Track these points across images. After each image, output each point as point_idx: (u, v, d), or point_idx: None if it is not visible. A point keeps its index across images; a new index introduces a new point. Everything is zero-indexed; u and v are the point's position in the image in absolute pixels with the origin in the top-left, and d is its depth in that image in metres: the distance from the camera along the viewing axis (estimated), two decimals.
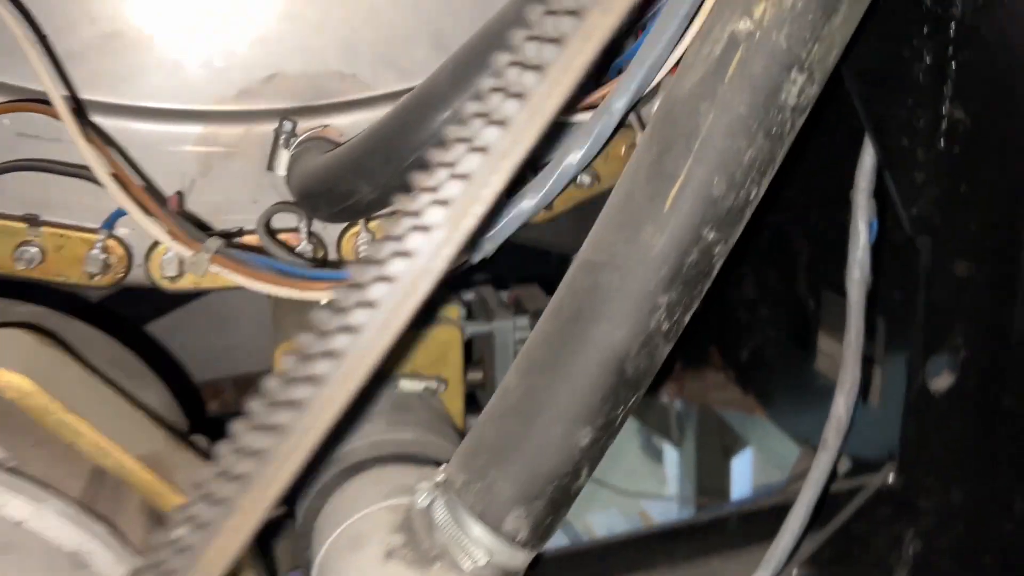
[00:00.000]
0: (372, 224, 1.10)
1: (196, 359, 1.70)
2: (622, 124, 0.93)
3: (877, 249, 1.17)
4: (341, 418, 0.54)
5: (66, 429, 0.88)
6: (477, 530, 0.86)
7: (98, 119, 1.08)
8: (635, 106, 1.07)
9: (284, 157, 1.10)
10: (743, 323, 1.69)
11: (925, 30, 1.03)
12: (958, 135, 1.07)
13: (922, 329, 1.16)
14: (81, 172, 1.01)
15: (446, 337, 1.28)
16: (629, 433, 2.69)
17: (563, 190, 0.94)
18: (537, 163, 1.08)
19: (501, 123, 0.47)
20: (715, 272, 0.85)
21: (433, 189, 0.48)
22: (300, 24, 1.09)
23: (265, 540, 1.36)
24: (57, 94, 0.96)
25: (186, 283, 1.07)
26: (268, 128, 1.11)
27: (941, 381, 1.17)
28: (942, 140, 1.07)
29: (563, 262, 0.88)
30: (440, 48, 1.08)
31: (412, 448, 1.11)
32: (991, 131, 1.07)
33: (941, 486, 1.23)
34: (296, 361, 0.52)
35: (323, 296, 0.93)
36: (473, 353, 1.45)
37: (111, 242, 1.09)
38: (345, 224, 1.13)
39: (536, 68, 0.46)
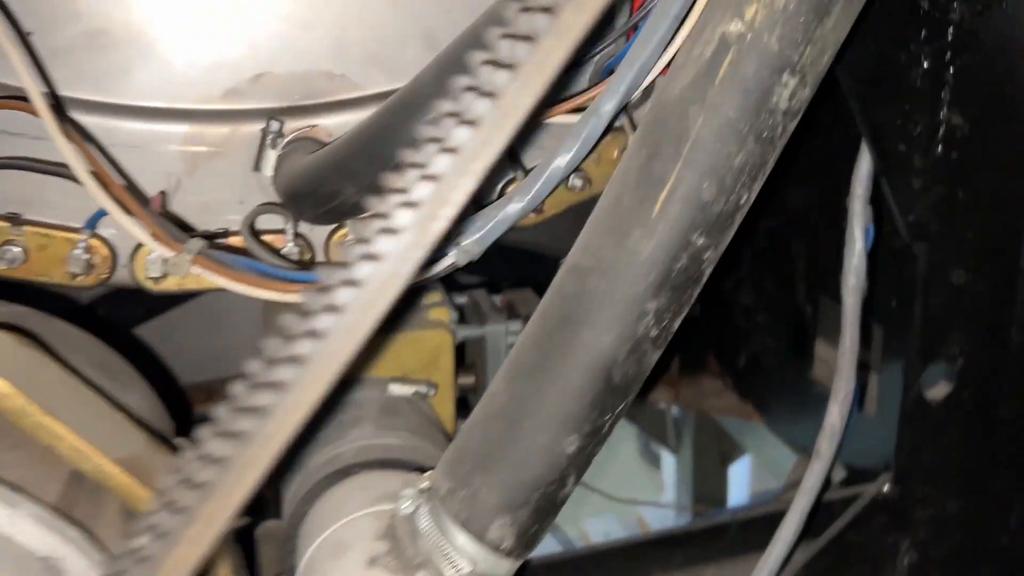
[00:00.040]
0: None
1: (190, 360, 1.69)
2: (611, 127, 0.91)
3: (874, 255, 1.15)
4: (307, 424, 0.53)
5: (44, 432, 0.87)
6: (461, 538, 0.85)
7: (83, 117, 1.07)
8: (627, 108, 1.06)
9: (271, 157, 1.08)
10: (741, 329, 1.69)
11: (923, 34, 1.02)
12: (956, 141, 1.06)
13: (919, 337, 1.15)
14: (62, 170, 1.00)
15: (437, 341, 1.27)
16: (628, 438, 2.68)
17: (551, 193, 0.92)
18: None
19: (472, 123, 0.46)
20: (705, 278, 0.84)
21: (403, 191, 0.47)
22: (289, 23, 1.07)
23: (252, 545, 1.35)
24: (35, 90, 0.95)
25: (170, 284, 1.06)
26: (255, 128, 1.09)
27: (938, 390, 1.17)
28: (940, 146, 1.06)
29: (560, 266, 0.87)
30: (431, 48, 1.06)
31: (399, 453, 1.10)
32: (989, 137, 1.07)
33: (937, 496, 1.22)
34: (261, 366, 0.51)
35: None
36: (466, 357, 1.44)
37: (95, 242, 1.07)
38: (333, 226, 1.12)
39: (508, 67, 0.45)
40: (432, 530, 0.86)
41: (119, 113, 1.07)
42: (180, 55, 1.07)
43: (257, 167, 1.09)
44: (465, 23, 0.95)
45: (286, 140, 1.08)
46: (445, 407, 1.28)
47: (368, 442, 1.12)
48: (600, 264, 0.82)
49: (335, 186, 0.97)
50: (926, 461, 1.20)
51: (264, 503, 1.29)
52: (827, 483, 1.20)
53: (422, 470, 0.94)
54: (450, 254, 0.94)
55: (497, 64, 0.45)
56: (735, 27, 0.77)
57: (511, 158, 1.10)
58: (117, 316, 1.58)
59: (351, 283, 0.48)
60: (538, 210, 1.12)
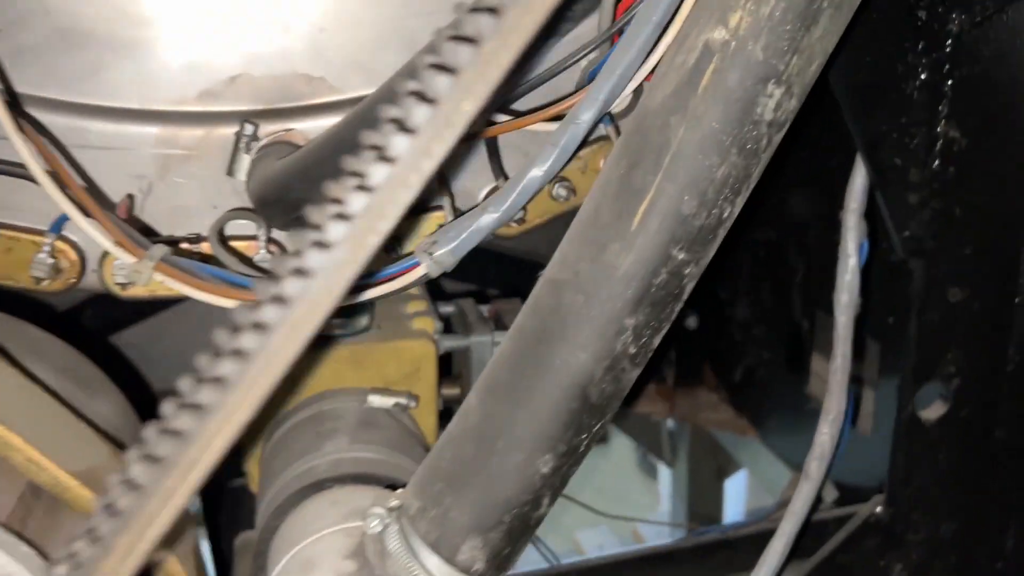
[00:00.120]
0: None
1: (178, 365, 1.66)
2: (590, 135, 0.88)
3: (870, 269, 1.13)
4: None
5: None
6: (430, 560, 0.83)
7: (52, 117, 1.04)
8: (613, 116, 1.03)
9: (244, 162, 1.05)
10: (737, 341, 1.67)
11: (920, 46, 1.00)
12: (953, 155, 1.04)
13: (914, 355, 1.13)
14: (20, 171, 0.97)
15: (420, 351, 1.25)
16: (625, 448, 2.67)
17: (528, 203, 0.89)
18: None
19: (412, 132, 0.43)
20: (686, 294, 0.81)
21: (338, 201, 0.44)
22: (266, 24, 1.05)
23: (227, 558, 1.33)
24: None
25: (139, 291, 1.03)
26: (230, 131, 1.07)
27: (933, 410, 1.15)
28: (937, 160, 1.04)
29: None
30: (411, 51, 1.03)
31: (374, 468, 1.07)
32: (988, 152, 1.05)
33: (931, 519, 1.20)
34: (190, 385, 0.48)
35: None
36: (453, 367, 1.41)
37: (62, 246, 1.05)
38: None
39: (450, 71, 0.42)
40: (401, 551, 0.84)
41: (89, 114, 1.05)
42: (153, 55, 1.05)
43: (230, 172, 1.07)
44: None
45: (260, 144, 1.05)
46: (427, 419, 1.25)
47: (342, 456, 1.09)
48: (577, 278, 0.79)
49: (303, 193, 0.94)
50: (920, 482, 1.18)
51: (246, 512, 1.27)
52: (818, 501, 1.18)
53: (397, 486, 0.91)
54: (422, 265, 0.91)
55: (441, 68, 0.42)
56: (719, 34, 0.75)
57: (493, 164, 1.08)
58: (106, 319, 1.55)
59: (279, 300, 0.45)
60: (520, 220, 1.10)
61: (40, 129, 1.03)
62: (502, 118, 1.02)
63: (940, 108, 1.02)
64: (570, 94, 0.98)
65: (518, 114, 1.02)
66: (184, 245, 1.08)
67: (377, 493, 0.90)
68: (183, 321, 1.52)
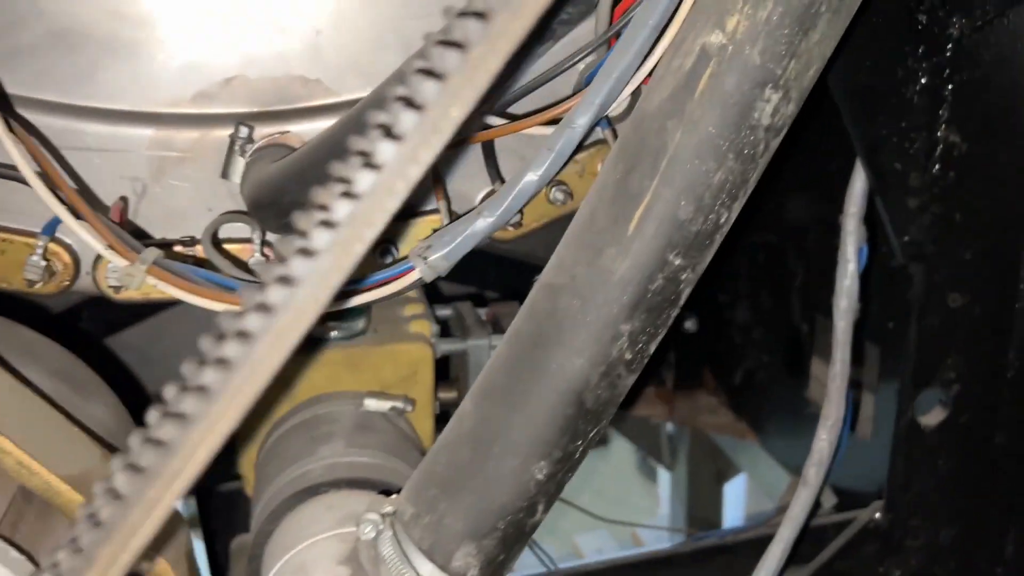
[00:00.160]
0: None
1: (175, 366, 1.65)
2: (587, 139, 0.87)
3: (869, 274, 1.12)
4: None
5: None
6: (424, 567, 0.83)
7: (46, 119, 1.03)
8: (610, 119, 1.03)
9: (239, 164, 1.05)
10: (736, 345, 1.66)
11: (921, 50, 0.99)
12: (953, 160, 1.04)
13: (913, 361, 1.12)
14: (11, 173, 0.96)
15: (417, 355, 1.24)
16: (624, 450, 2.66)
17: (523, 208, 0.89)
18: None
19: (399, 138, 0.42)
20: (683, 300, 0.80)
21: (324, 207, 0.43)
22: (262, 26, 1.04)
23: (222, 561, 1.32)
24: None
25: (132, 294, 1.02)
26: (226, 133, 1.06)
27: (932, 416, 1.14)
28: (937, 165, 1.03)
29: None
30: (408, 53, 1.03)
31: (369, 473, 1.07)
32: (988, 157, 1.04)
33: (930, 525, 1.20)
34: (174, 394, 0.47)
35: None
36: (450, 371, 1.40)
37: (56, 248, 1.04)
38: None
39: (438, 77, 0.41)
40: (395, 557, 0.84)
41: (84, 115, 1.04)
42: (149, 56, 1.04)
43: (225, 174, 1.06)
44: None
45: (255, 146, 1.05)
46: (423, 423, 1.25)
47: (338, 460, 1.08)
48: (573, 283, 0.79)
49: (297, 196, 0.93)
50: (919, 488, 1.17)
51: (242, 515, 1.26)
52: (817, 506, 1.18)
53: (392, 490, 0.91)
54: (417, 269, 0.90)
55: (428, 73, 0.41)
56: (716, 38, 0.74)
57: (489, 168, 1.07)
58: (103, 321, 1.55)
59: (263, 308, 0.44)
60: (516, 224, 1.09)
61: (33, 131, 1.02)
62: (498, 121, 1.01)
63: (940, 112, 1.01)
64: (567, 97, 0.98)
65: (514, 117, 1.01)
66: (178, 248, 1.07)
67: (372, 498, 0.89)
68: (180, 322, 1.51)
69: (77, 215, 0.94)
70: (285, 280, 0.44)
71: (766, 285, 1.54)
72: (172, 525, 0.89)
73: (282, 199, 0.97)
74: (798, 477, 1.16)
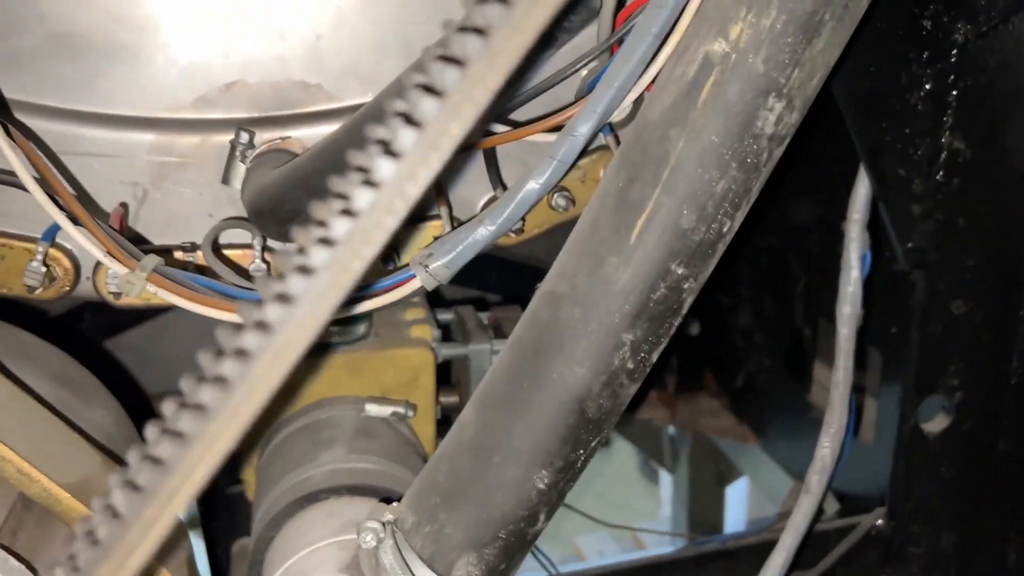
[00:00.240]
0: None
1: (175, 368, 1.64)
2: (588, 146, 0.87)
3: (872, 280, 1.12)
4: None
5: None
6: None
7: (46, 124, 1.03)
8: (612, 125, 1.02)
9: (240, 170, 1.04)
10: (739, 348, 1.66)
11: (925, 56, 0.99)
12: (957, 166, 1.03)
13: (916, 367, 1.12)
14: (12, 179, 0.96)
15: (418, 360, 1.24)
16: (626, 451, 2.66)
17: (524, 216, 0.88)
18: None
19: (397, 155, 0.42)
20: (685, 309, 0.80)
21: (323, 224, 0.43)
22: (263, 31, 1.04)
23: (222, 564, 1.32)
24: None
25: (133, 300, 1.02)
26: (226, 138, 1.06)
27: (936, 423, 1.14)
28: (940, 171, 1.03)
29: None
30: (409, 59, 1.03)
31: (370, 479, 1.06)
32: (992, 163, 1.04)
33: (932, 532, 1.19)
34: (172, 410, 0.47)
35: None
36: (451, 375, 1.40)
37: (56, 254, 1.04)
38: None
39: (437, 93, 0.41)
40: (396, 566, 0.83)
41: (84, 120, 1.04)
42: (149, 61, 1.04)
43: (225, 180, 1.06)
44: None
45: (256, 152, 1.04)
46: (425, 428, 1.24)
47: (339, 466, 1.08)
48: (575, 292, 0.78)
49: (297, 204, 0.93)
50: (922, 495, 1.17)
51: (243, 519, 1.26)
52: (820, 513, 1.17)
53: (393, 497, 0.90)
54: (418, 278, 0.90)
55: (427, 89, 0.41)
56: (719, 47, 0.74)
57: (491, 174, 1.07)
58: (103, 323, 1.54)
59: (262, 326, 0.44)
60: (518, 230, 1.08)
61: (33, 136, 1.02)
62: (500, 128, 1.01)
63: (944, 119, 1.01)
64: (569, 104, 0.97)
65: (517, 124, 1.01)
66: (178, 254, 1.07)
67: (373, 506, 0.89)
68: (181, 324, 1.51)
69: (76, 222, 0.93)
70: (283, 298, 0.43)
71: (768, 289, 1.54)
72: (174, 535, 0.89)
73: (282, 206, 0.96)
74: (800, 481, 1.16)
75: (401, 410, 1.20)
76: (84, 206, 0.95)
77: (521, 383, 0.80)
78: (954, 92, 1.00)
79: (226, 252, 1.09)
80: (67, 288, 1.06)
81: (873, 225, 1.11)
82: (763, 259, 1.51)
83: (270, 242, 1.07)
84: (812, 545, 1.17)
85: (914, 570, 1.20)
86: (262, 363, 0.44)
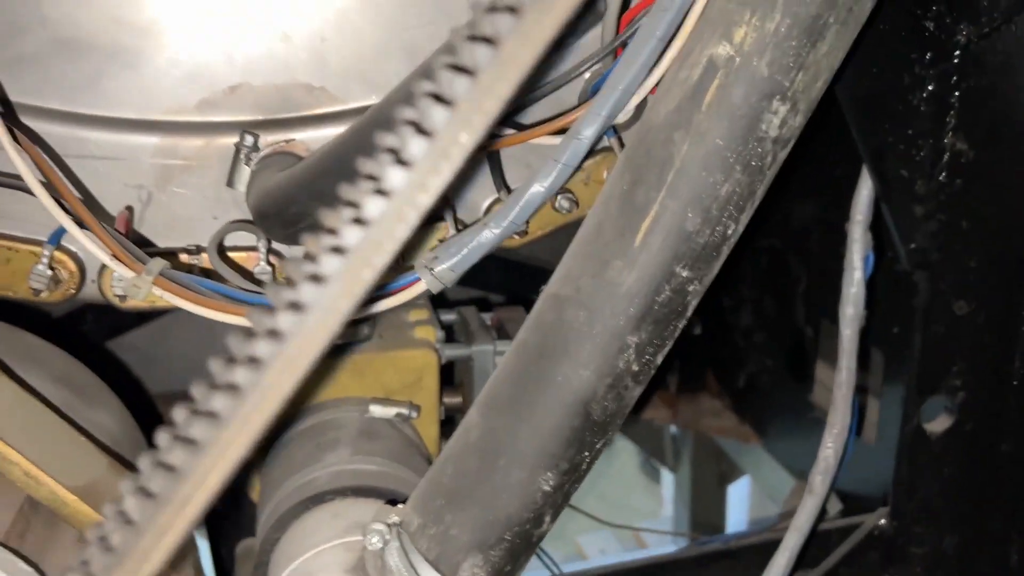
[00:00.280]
0: None
1: (179, 368, 1.65)
2: (594, 149, 0.87)
3: (875, 280, 1.12)
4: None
5: None
6: None
7: (51, 127, 1.03)
8: (616, 128, 1.02)
9: (245, 173, 1.04)
10: (740, 348, 1.66)
11: (928, 56, 0.98)
12: (960, 167, 1.03)
13: (918, 369, 1.12)
14: (16, 182, 0.96)
15: (422, 361, 1.24)
16: (628, 450, 2.66)
17: (528, 219, 0.89)
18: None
19: (408, 164, 0.42)
20: (690, 311, 0.80)
21: (333, 232, 0.43)
22: (267, 33, 1.04)
23: (226, 564, 1.32)
24: None
25: (139, 302, 1.02)
26: (231, 141, 1.06)
27: (938, 423, 1.14)
28: (943, 172, 1.03)
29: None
30: (413, 61, 1.03)
31: (375, 480, 1.07)
32: (995, 164, 1.04)
33: (934, 533, 1.19)
34: (184, 417, 0.47)
35: None
36: (455, 376, 1.40)
37: (62, 256, 1.04)
38: None
39: (447, 103, 0.41)
40: (401, 568, 0.83)
41: (88, 123, 1.04)
42: (152, 64, 1.04)
43: (230, 182, 1.06)
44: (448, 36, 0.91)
45: (261, 155, 1.04)
46: (429, 429, 1.24)
47: (343, 467, 1.08)
48: (579, 294, 0.79)
49: (303, 207, 0.93)
50: (924, 496, 1.17)
51: (248, 519, 1.26)
52: (822, 513, 1.17)
53: (398, 498, 0.91)
54: (423, 281, 0.90)
55: (437, 98, 0.41)
56: (723, 50, 0.74)
57: (495, 177, 1.07)
58: (107, 324, 1.54)
59: (274, 334, 0.44)
60: (522, 232, 1.09)
61: (38, 139, 1.02)
62: (505, 131, 1.01)
63: (947, 120, 1.00)
64: (574, 107, 0.97)
65: (520, 127, 1.01)
66: (183, 257, 1.07)
67: (378, 507, 0.89)
68: (184, 325, 1.51)
69: (82, 225, 0.93)
70: (295, 306, 0.43)
71: (770, 289, 1.53)
72: (185, 543, 0.89)
73: (288, 209, 0.96)
74: (802, 481, 1.16)
75: (405, 411, 1.20)
76: (89, 209, 0.95)
77: (526, 386, 0.80)
78: (956, 93, 1.00)
79: (230, 254, 1.09)
80: (72, 291, 1.06)
81: (876, 226, 1.11)
82: (765, 259, 1.51)
83: (275, 245, 1.07)
84: (814, 544, 1.17)
85: (916, 570, 1.20)
86: (274, 371, 0.44)
